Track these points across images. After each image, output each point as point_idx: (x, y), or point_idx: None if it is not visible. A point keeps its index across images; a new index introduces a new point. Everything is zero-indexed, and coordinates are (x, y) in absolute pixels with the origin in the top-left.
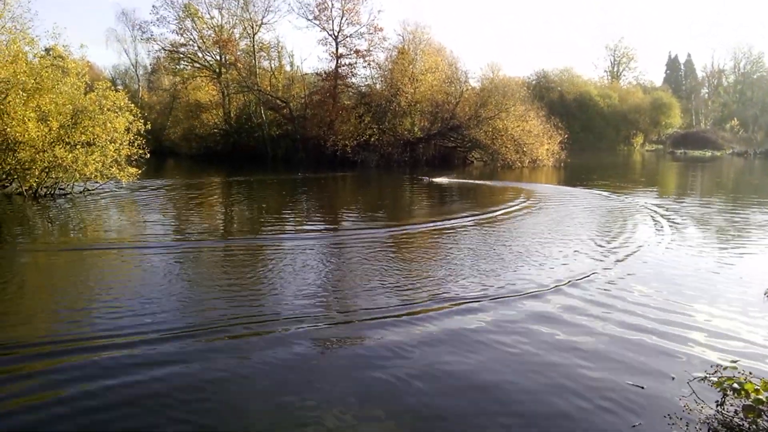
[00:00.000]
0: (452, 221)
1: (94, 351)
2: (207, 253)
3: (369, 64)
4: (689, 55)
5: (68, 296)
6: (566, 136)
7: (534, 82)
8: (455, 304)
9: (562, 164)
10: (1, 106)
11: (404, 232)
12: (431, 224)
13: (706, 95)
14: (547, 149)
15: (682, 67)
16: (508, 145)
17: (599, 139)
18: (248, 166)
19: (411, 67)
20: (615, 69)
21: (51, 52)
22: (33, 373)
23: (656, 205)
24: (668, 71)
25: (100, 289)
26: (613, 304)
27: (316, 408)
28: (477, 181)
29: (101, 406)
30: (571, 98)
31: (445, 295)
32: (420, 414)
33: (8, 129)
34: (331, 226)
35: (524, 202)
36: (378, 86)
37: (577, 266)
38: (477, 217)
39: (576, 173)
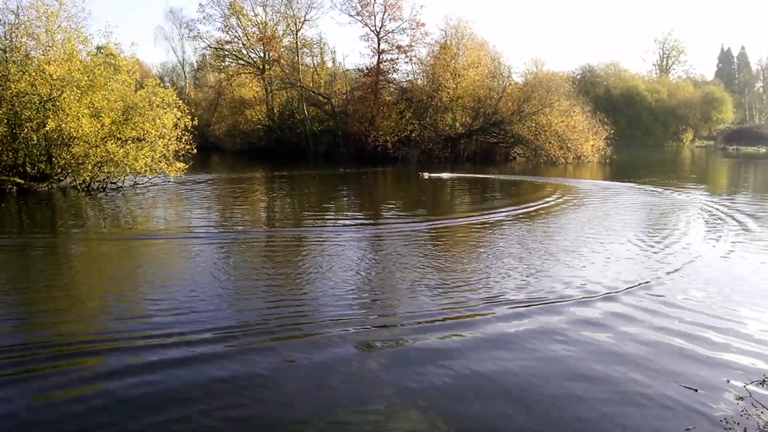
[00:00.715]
0: (489, 216)
1: (135, 349)
2: (250, 244)
3: (410, 60)
4: (743, 48)
5: (117, 287)
6: (612, 131)
7: (579, 77)
8: (500, 307)
9: (607, 160)
10: (57, 103)
11: (444, 226)
12: (471, 218)
13: (761, 89)
14: (593, 145)
15: (735, 60)
16: (552, 141)
17: (646, 134)
18: (290, 162)
19: (453, 62)
20: (664, 63)
21: (103, 50)
22: (82, 366)
23: (710, 203)
24: (720, 64)
25: (145, 281)
26: (664, 311)
27: (357, 411)
28: (481, 176)
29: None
30: (617, 93)
31: (489, 297)
32: (459, 420)
33: (63, 125)
34: (372, 220)
35: (559, 198)
36: (419, 82)
37: (629, 270)
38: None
39: (622, 170)
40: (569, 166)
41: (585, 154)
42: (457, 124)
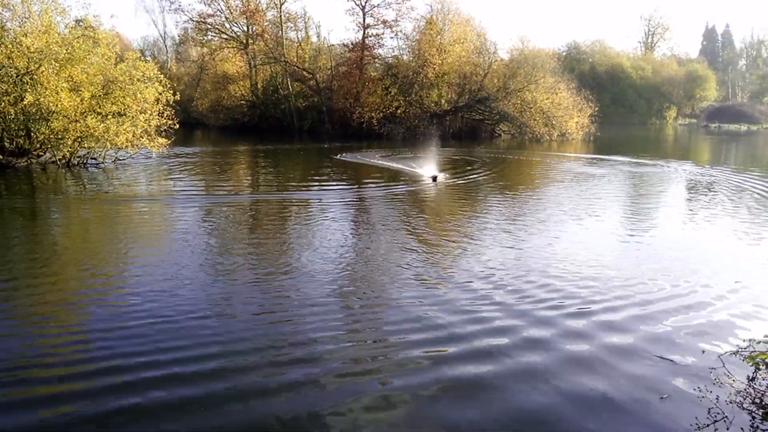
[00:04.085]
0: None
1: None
2: (234, 207)
3: (396, 35)
4: (727, 26)
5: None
6: (596, 109)
7: (565, 54)
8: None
9: (591, 138)
10: (35, 77)
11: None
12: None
13: (744, 67)
14: (577, 122)
15: (720, 38)
16: (537, 118)
17: (630, 112)
18: (274, 138)
19: (439, 37)
20: (649, 40)
21: (81, 23)
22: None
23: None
24: (705, 42)
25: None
26: (634, 281)
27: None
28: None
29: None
30: (602, 70)
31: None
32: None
33: (42, 99)
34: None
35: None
36: (405, 57)
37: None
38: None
39: (607, 147)
40: (553, 143)
41: (569, 131)
42: (443, 101)
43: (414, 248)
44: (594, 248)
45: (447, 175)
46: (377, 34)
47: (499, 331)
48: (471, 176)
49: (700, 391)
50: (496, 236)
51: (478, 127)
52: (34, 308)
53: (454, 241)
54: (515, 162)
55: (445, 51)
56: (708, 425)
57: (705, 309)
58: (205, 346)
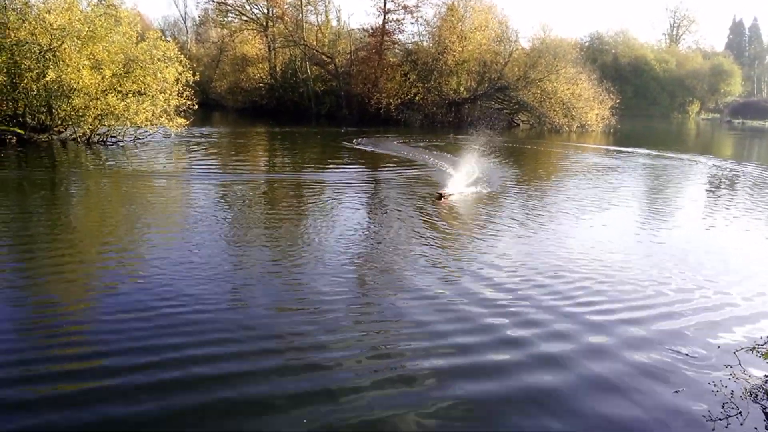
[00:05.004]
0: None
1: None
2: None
3: (417, 21)
4: (755, 19)
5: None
6: (618, 101)
7: (587, 44)
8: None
9: (611, 130)
10: (57, 53)
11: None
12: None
13: None
14: (597, 114)
15: (747, 31)
16: (557, 109)
17: (652, 105)
18: (292, 122)
19: (460, 24)
20: (674, 32)
21: (104, 1)
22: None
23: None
24: (731, 36)
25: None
26: (654, 278)
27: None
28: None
29: None
30: (625, 62)
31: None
32: None
33: (63, 76)
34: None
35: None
36: (425, 43)
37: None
38: None
39: (628, 140)
40: (573, 134)
41: (589, 123)
42: (462, 89)
43: (428, 237)
44: (610, 243)
45: (460, 191)
46: (398, 20)
47: (515, 329)
48: (488, 166)
49: (714, 385)
50: (511, 229)
51: (497, 116)
52: (47, 285)
53: (467, 231)
54: (533, 152)
55: (465, 38)
56: (721, 419)
57: (721, 306)
58: (219, 332)
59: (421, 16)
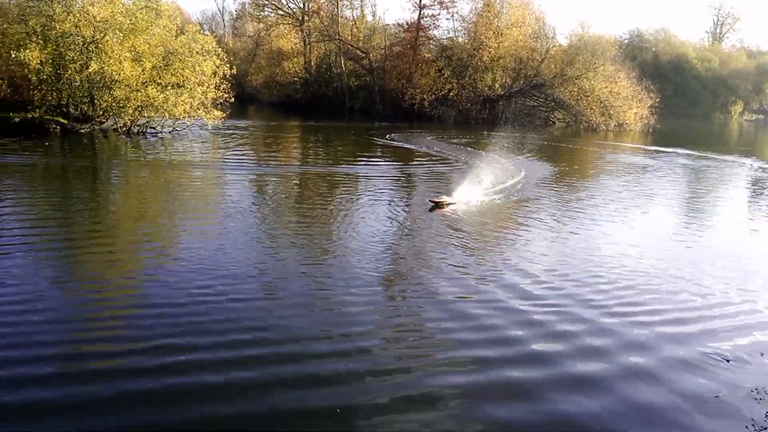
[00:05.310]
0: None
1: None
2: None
3: (452, 16)
4: None
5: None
6: (657, 100)
7: (626, 42)
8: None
9: (650, 129)
10: (100, 45)
11: None
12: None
13: None
14: (636, 113)
15: None
16: (594, 107)
17: (693, 105)
18: (325, 116)
19: (496, 20)
20: (717, 30)
21: None
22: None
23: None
24: None
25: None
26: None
27: None
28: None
29: None
30: (665, 60)
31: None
32: None
33: (105, 67)
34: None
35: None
36: (460, 39)
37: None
38: None
39: (667, 139)
40: (610, 133)
41: (627, 121)
42: (497, 85)
43: (458, 237)
44: (649, 247)
45: (460, 201)
46: (433, 15)
47: (546, 336)
48: (520, 162)
49: (756, 392)
50: (544, 231)
51: (532, 113)
52: (87, 272)
53: (499, 233)
54: (569, 151)
55: (501, 34)
56: (765, 428)
57: (764, 311)
58: (251, 332)
59: (457, 12)
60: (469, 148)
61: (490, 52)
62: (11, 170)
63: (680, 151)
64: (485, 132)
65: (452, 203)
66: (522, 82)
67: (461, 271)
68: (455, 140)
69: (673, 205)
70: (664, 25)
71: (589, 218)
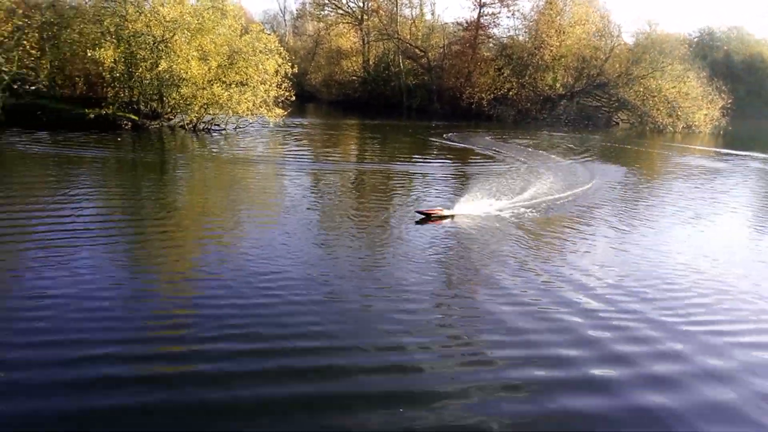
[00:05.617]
0: None
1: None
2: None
3: (513, 14)
4: None
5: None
6: (729, 101)
7: (696, 40)
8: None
9: (721, 131)
10: (169, 45)
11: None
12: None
13: None
14: (706, 114)
15: None
16: (660, 108)
17: None
18: (383, 114)
19: (558, 18)
20: None
21: None
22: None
23: None
24: None
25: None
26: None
27: None
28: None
29: None
30: (738, 59)
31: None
32: None
33: (174, 66)
34: None
35: None
36: (521, 38)
37: None
38: None
39: (739, 142)
40: (677, 135)
41: (696, 123)
42: (558, 85)
43: (519, 238)
44: (720, 255)
45: (456, 212)
46: (493, 13)
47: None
48: (582, 164)
49: None
50: (610, 236)
51: (594, 114)
52: (153, 266)
53: (563, 235)
54: (634, 153)
55: (564, 32)
56: None
57: None
58: (310, 326)
59: (518, 10)
60: (530, 149)
61: (551, 51)
62: (87, 163)
63: (755, 154)
64: (545, 132)
65: (449, 216)
66: (584, 81)
67: (524, 271)
68: (515, 140)
69: (748, 213)
70: (738, 24)
71: (657, 223)
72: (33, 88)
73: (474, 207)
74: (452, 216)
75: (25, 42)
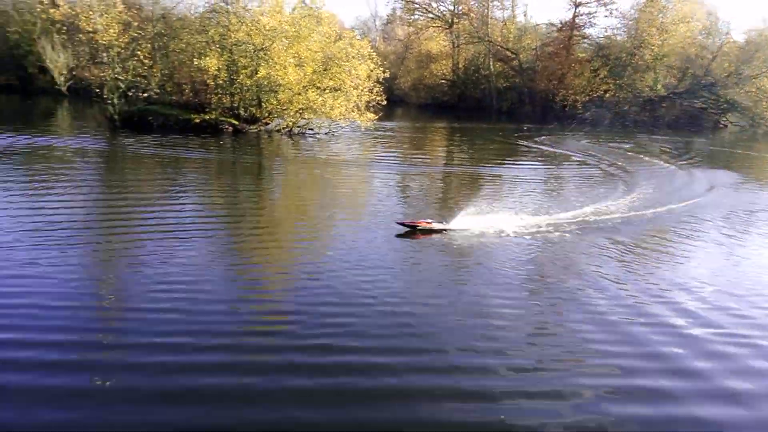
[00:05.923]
0: None
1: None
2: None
3: (611, 13)
4: None
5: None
6: None
7: None
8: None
9: None
10: (268, 52)
11: None
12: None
13: None
14: None
15: None
16: None
17: None
18: (472, 118)
19: (660, 16)
20: None
21: (306, 2)
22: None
23: None
24: None
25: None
26: None
27: None
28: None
29: None
30: None
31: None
32: None
33: (272, 72)
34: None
35: None
36: (619, 37)
37: None
38: None
39: None
40: None
41: None
42: (659, 86)
43: (607, 246)
44: None
45: (448, 223)
46: (589, 13)
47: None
48: (693, 171)
49: None
50: (703, 247)
51: (699, 116)
52: (251, 265)
53: (653, 245)
54: (743, 158)
55: (666, 31)
56: None
57: None
58: (397, 328)
59: (616, 9)
60: (629, 153)
61: (652, 50)
62: (193, 164)
63: None
64: (645, 135)
65: (444, 229)
66: (689, 81)
67: (605, 281)
68: (613, 144)
69: None
70: None
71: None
72: (145, 95)
73: (570, 216)
74: (443, 230)
75: (138, 52)
